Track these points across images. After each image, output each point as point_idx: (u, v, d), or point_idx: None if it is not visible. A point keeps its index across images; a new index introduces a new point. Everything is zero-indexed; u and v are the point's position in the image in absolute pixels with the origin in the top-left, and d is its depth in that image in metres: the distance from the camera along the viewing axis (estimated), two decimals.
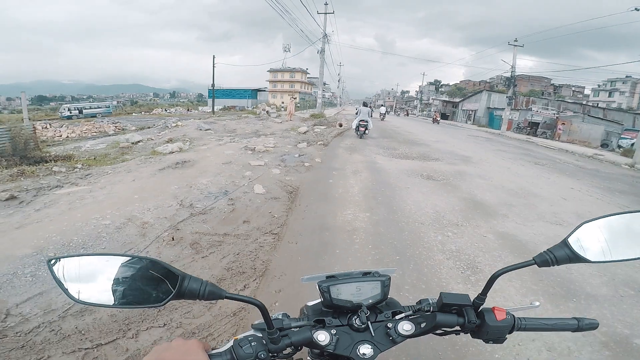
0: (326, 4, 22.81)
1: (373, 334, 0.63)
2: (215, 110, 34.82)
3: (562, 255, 0.62)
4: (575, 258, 0.62)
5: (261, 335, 0.59)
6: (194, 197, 4.27)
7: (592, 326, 0.65)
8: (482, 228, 4.26)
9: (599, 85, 54.11)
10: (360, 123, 13.08)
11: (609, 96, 52.24)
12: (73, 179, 5.09)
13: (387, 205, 4.84)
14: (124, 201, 4.11)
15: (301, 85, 63.78)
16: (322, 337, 0.61)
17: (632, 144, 20.89)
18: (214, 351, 0.56)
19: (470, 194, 5.84)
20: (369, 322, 0.63)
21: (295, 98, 38.61)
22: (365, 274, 0.68)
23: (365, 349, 0.61)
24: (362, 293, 0.65)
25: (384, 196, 5.25)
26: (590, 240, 0.63)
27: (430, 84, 79.79)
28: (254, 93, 54.32)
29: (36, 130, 8.70)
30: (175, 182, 5.11)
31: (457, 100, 50.45)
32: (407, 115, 52.20)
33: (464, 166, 8.53)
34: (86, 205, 3.99)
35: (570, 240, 0.63)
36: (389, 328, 0.64)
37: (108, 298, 0.51)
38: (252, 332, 0.61)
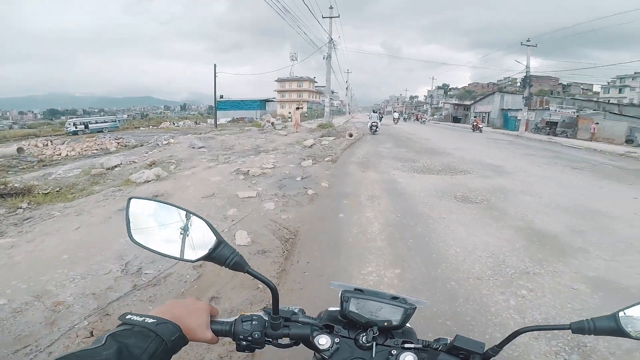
0: (331, 7, 21.72)
1: (373, 356, 0.61)
2: (222, 122, 34.03)
3: (605, 327, 0.57)
4: (618, 332, 0.56)
5: (266, 319, 0.62)
6: (147, 256, 2.98)
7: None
8: (564, 274, 3.03)
9: (608, 83, 53.19)
10: (372, 124, 19.10)
11: (619, 92, 51.90)
12: (4, 226, 3.89)
13: (422, 251, 3.47)
14: (45, 264, 2.88)
15: (309, 94, 62.91)
16: (324, 341, 0.62)
17: None
18: (219, 318, 0.62)
19: (524, 220, 4.44)
20: (374, 343, 0.62)
21: (301, 107, 37.62)
22: (394, 297, 0.66)
23: None
24: (381, 314, 0.64)
25: (416, 235, 3.88)
26: None
27: (439, 87, 78.15)
28: (262, 104, 53.70)
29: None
30: None
31: (469, 102, 48.83)
32: (418, 120, 50.40)
33: (499, 179, 7.09)
34: None
35: (622, 314, 0.57)
36: (391, 355, 0.62)
37: (159, 245, 0.59)
38: (260, 313, 0.64)
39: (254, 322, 0.61)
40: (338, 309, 0.67)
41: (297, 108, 19.57)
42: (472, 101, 47.42)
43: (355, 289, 0.66)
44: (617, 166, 9.83)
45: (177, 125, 39.14)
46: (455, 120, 47.38)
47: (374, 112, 20.57)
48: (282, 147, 10.67)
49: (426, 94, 78.70)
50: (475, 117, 34.38)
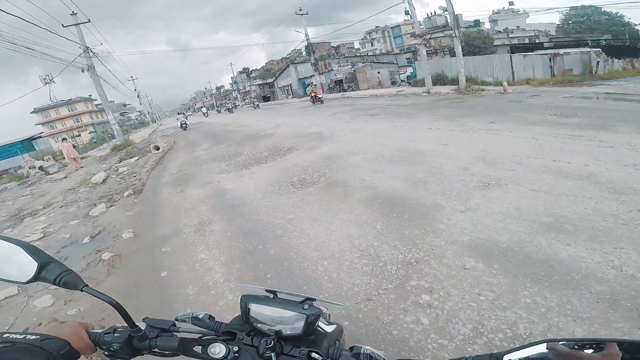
0: (74, 13, 16.68)
1: None
2: None
3: None
4: None
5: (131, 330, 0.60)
6: None
7: None
8: (445, 250, 2.75)
9: (362, 39, 65.81)
10: (182, 123, 22.65)
11: (372, 45, 64.73)
12: None
13: (288, 284, 2.56)
14: None
15: (90, 116, 50.61)
16: (217, 349, 0.59)
17: (407, 77, 26.14)
18: (93, 331, 0.62)
19: (367, 187, 4.25)
20: (272, 353, 0.58)
21: (75, 136, 29.74)
22: (308, 299, 0.62)
23: None
24: (283, 321, 0.60)
25: (273, 265, 2.92)
26: None
27: (241, 72, 78.41)
28: (27, 144, 39.38)
29: None
30: None
31: (271, 80, 51.14)
32: (228, 111, 48.85)
33: (324, 146, 7.05)
34: None
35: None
36: None
37: None
38: (139, 324, 0.61)
39: (115, 334, 0.60)
40: None
41: (64, 139, 14.75)
42: (273, 78, 49.86)
43: (267, 290, 0.65)
44: (398, 104, 11.92)
45: None
46: (265, 99, 48.94)
47: (179, 114, 26.89)
48: (59, 199, 7.42)
49: (230, 82, 77.87)
50: (310, 85, 29.14)
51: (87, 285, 0.59)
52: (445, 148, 5.36)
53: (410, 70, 27.28)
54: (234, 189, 5.37)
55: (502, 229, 2.80)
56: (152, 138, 19.16)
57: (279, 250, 3.16)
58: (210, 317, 0.66)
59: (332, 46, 70.45)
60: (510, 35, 40.39)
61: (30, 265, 0.58)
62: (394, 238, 2.96)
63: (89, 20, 17.42)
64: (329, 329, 0.70)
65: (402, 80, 26.92)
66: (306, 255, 2.96)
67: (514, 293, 2.03)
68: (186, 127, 22.20)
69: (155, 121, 62.44)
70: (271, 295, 0.64)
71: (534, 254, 2.39)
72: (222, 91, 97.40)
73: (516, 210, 3.06)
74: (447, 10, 15.11)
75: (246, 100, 57.83)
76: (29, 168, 14.34)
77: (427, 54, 19.78)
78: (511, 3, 62.19)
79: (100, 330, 0.62)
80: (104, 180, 8.44)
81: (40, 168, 14.35)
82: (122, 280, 3.19)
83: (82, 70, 17.09)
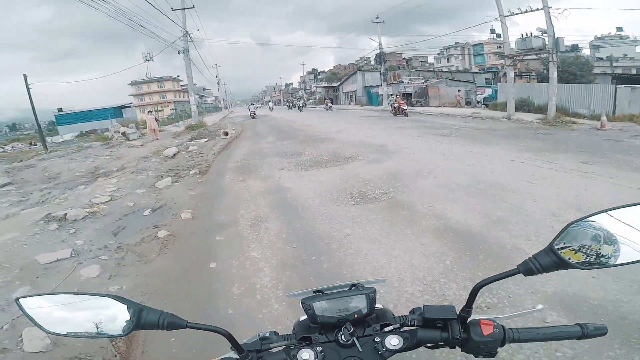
0: None
1: (360, 350, 0.60)
2: (68, 138, 27.07)
3: (549, 262, 0.57)
4: (562, 264, 0.57)
5: (236, 357, 0.59)
6: None
7: (600, 332, 0.58)
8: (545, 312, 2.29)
9: (438, 54, 63.26)
10: (251, 112, 27.08)
11: (448, 62, 61.33)
12: None
13: None
14: None
15: (174, 94, 55.76)
16: (307, 355, 0.59)
17: (484, 98, 24.39)
18: None
19: (436, 216, 3.85)
20: (354, 338, 0.61)
21: (159, 110, 32.57)
22: (353, 285, 0.66)
23: None
24: (347, 307, 0.63)
25: (326, 280, 2.74)
26: (579, 244, 0.56)
27: (309, 73, 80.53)
28: (117, 111, 45.03)
29: None
30: None
31: (337, 84, 51.58)
32: (295, 107, 50.25)
33: (388, 161, 6.71)
34: None
35: (556, 245, 0.57)
36: (376, 342, 0.61)
37: (78, 329, 0.56)
38: (230, 354, 0.61)
39: None
40: (307, 317, 0.66)
41: (150, 112, 16.08)
42: (339, 82, 50.22)
43: (315, 292, 0.66)
44: (473, 127, 11.04)
45: (2, 150, 29.07)
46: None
47: (251, 104, 32.02)
48: (133, 164, 8.10)
49: (299, 80, 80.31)
50: (392, 95, 24.65)
51: (189, 322, 0.58)
52: (531, 186, 4.71)
53: (488, 91, 25.48)
54: (293, 189, 5.30)
55: (594, 285, 2.34)
56: (222, 124, 20.33)
57: (333, 265, 2.96)
58: (275, 333, 0.66)
59: (404, 58, 68.96)
60: (615, 64, 35.61)
61: (125, 315, 0.57)
62: (464, 278, 2.59)
63: (193, 7, 19.03)
64: (379, 305, 0.71)
65: (478, 102, 25.26)
66: (361, 276, 2.73)
67: (598, 354, 1.73)
68: (254, 117, 26.00)
69: (227, 108, 66.67)
70: (320, 294, 0.66)
71: (630, 314, 2.03)
72: (290, 89, 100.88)
73: (616, 270, 2.50)
74: (545, 32, 13.72)
75: (310, 100, 58.96)
76: (114, 132, 16.06)
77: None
78: (619, 29, 54.64)
79: None
80: (174, 155, 9.04)
81: (123, 134, 15.99)
82: (172, 263, 3.24)
83: (178, 52, 18.70)
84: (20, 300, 0.55)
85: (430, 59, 70.15)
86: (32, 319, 0.55)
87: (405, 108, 17.77)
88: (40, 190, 6.77)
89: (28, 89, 18.36)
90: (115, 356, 2.00)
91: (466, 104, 26.38)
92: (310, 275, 2.82)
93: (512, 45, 15.24)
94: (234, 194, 5.36)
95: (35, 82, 18.66)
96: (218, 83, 57.00)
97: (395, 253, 3.07)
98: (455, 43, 58.42)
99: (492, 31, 16.35)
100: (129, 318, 0.57)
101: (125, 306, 0.57)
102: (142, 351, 2.09)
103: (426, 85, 30.85)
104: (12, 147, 30.78)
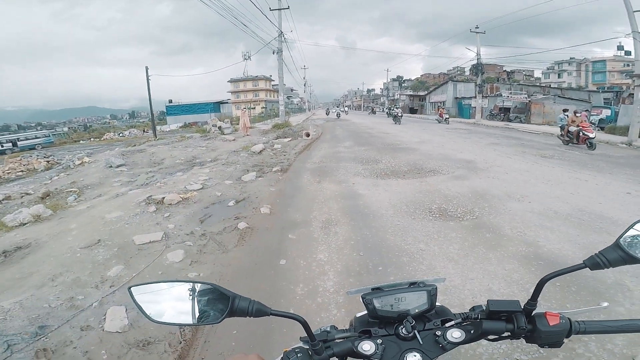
0: None
1: (421, 342, 0.63)
2: (174, 128, 31.54)
3: (616, 257, 0.60)
4: (630, 259, 0.59)
5: (307, 347, 0.62)
6: None
7: None
8: None
9: (548, 68, 56.36)
10: (337, 113, 35.17)
11: (558, 77, 54.37)
12: None
13: None
14: None
15: (266, 93, 60.44)
16: (367, 347, 0.62)
17: (600, 120, 20.53)
18: None
19: (526, 243, 3.36)
20: (415, 331, 0.63)
21: (251, 107, 35.41)
22: (412, 284, 0.68)
23: (413, 357, 0.60)
24: (407, 303, 0.65)
25: None
26: None
27: (394, 80, 79.07)
28: (216, 106, 50.89)
29: None
30: None
31: (423, 93, 49.47)
32: (374, 113, 50.13)
33: (475, 179, 6.11)
34: None
35: (623, 241, 0.60)
36: (437, 336, 0.63)
37: (180, 318, 0.61)
38: (300, 344, 0.64)
39: (299, 355, 0.61)
40: (365, 313, 0.68)
41: (244, 109, 17.63)
42: (427, 91, 48.07)
43: (373, 289, 0.68)
44: (584, 152, 9.40)
45: (122, 135, 35.54)
46: (412, 111, 47.73)
47: (337, 107, 36.22)
48: (224, 157, 9.00)
49: (382, 87, 79.49)
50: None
51: (272, 309, 0.62)
52: None
53: (607, 112, 21.49)
54: (367, 196, 5.21)
55: None
56: (305, 125, 21.26)
57: (400, 278, 2.77)
58: (335, 327, 0.68)
59: (505, 70, 62.83)
60: None
61: (225, 299, 0.60)
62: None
63: (288, 7, 20.37)
64: (438, 303, 0.71)
65: (592, 123, 21.51)
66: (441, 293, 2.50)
67: None
68: (339, 116, 33.82)
69: (310, 109, 69.69)
70: (379, 290, 0.67)
71: None
72: (371, 95, 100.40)
73: None
74: None
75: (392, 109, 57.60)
76: (212, 126, 18.10)
77: None
78: None
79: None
80: (260, 151, 9.77)
81: (219, 128, 17.89)
82: (246, 255, 3.43)
83: (273, 52, 20.23)
84: (132, 288, 0.60)
85: (537, 74, 63.02)
86: (140, 307, 0.59)
87: (591, 136, 9.80)
88: (146, 173, 7.98)
89: (148, 80, 21.82)
90: (180, 342, 2.14)
91: None
92: (375, 281, 2.71)
93: None
94: (310, 194, 5.51)
95: (154, 74, 21.94)
96: (305, 84, 59.84)
97: (473, 275, 2.77)
98: (571, 58, 51.47)
99: (620, 48, 13.93)
100: (222, 305, 0.60)
101: (220, 293, 0.60)
102: (205, 340, 2.22)
103: (529, 101, 27.48)
104: (129, 133, 37.06)
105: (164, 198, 4.91)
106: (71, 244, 3.62)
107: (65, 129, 53.26)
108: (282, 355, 0.62)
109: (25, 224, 4.53)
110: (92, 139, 33.82)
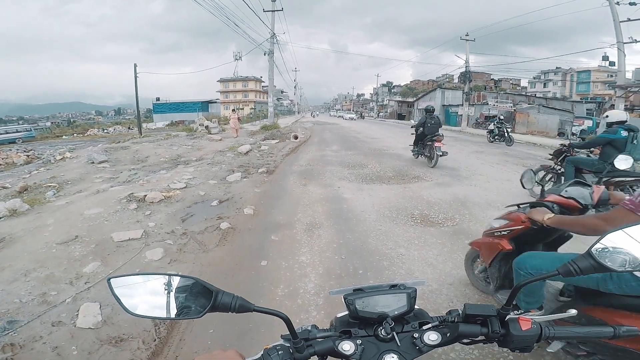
0: (274, 0, 19.97)
1: (399, 344, 0.64)
2: (160, 126, 31.05)
3: (587, 265, 0.62)
4: (600, 268, 0.62)
5: (288, 345, 0.63)
6: None
7: (633, 333, 0.63)
8: None
9: (534, 77, 57.52)
10: (330, 114, 40.92)
11: (544, 87, 55.35)
12: None
13: None
14: None
15: (255, 94, 60.20)
16: (347, 347, 0.63)
17: (582, 130, 21.32)
18: (248, 358, 0.62)
19: None
20: (394, 333, 0.65)
21: (240, 109, 35.18)
22: (393, 286, 0.70)
23: (391, 358, 0.62)
24: (387, 305, 0.67)
25: None
26: (616, 249, 0.62)
27: (384, 85, 79.98)
28: (204, 105, 50.29)
29: None
30: None
31: (412, 100, 50.20)
32: (363, 118, 50.84)
33: (458, 186, 6.25)
34: None
35: (594, 250, 0.63)
36: (415, 338, 0.65)
37: (157, 312, 0.59)
38: (281, 342, 0.64)
39: (280, 352, 0.61)
40: (346, 313, 0.70)
41: (234, 110, 17.50)
42: (415, 98, 48.81)
43: (355, 290, 0.69)
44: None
45: (106, 131, 34.82)
46: (400, 117, 48.39)
47: (330, 109, 39.06)
48: (210, 156, 8.92)
49: (372, 92, 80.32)
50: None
51: (255, 305, 0.62)
52: None
53: (588, 123, 22.33)
54: (351, 201, 5.27)
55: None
56: (294, 127, 21.25)
57: (379, 282, 2.82)
58: (316, 327, 0.68)
59: (492, 78, 64.34)
60: None
61: (201, 297, 0.59)
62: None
63: (282, 9, 20.38)
64: (416, 306, 0.73)
65: (574, 134, 22.27)
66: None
67: None
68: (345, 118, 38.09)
69: (299, 112, 69.68)
70: (360, 291, 0.69)
71: None
72: (361, 99, 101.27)
73: None
74: None
75: (381, 114, 58.43)
76: (199, 125, 17.92)
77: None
78: None
79: (252, 358, 0.62)
80: (247, 152, 9.72)
81: (206, 127, 17.72)
82: (227, 255, 3.41)
83: (265, 53, 20.17)
84: (111, 280, 0.58)
85: (524, 82, 64.54)
86: (118, 300, 0.58)
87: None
88: (129, 170, 7.83)
89: (135, 77, 21.45)
90: (155, 340, 2.12)
91: (559, 134, 23.51)
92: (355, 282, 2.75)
93: (628, 75, 13.19)
94: (295, 197, 5.52)
95: (142, 72, 21.66)
96: (295, 87, 59.87)
97: (450, 280, 2.85)
98: (557, 68, 52.44)
99: (605, 58, 14.46)
100: (204, 300, 0.59)
101: (203, 287, 0.59)
102: (180, 339, 2.20)
103: (514, 110, 28.24)
104: (114, 129, 36.36)
105: (145, 196, 4.83)
106: (47, 240, 3.53)
107: (48, 123, 51.69)
108: (262, 353, 0.62)
109: (0, 217, 4.38)
110: (75, 135, 33.10)
